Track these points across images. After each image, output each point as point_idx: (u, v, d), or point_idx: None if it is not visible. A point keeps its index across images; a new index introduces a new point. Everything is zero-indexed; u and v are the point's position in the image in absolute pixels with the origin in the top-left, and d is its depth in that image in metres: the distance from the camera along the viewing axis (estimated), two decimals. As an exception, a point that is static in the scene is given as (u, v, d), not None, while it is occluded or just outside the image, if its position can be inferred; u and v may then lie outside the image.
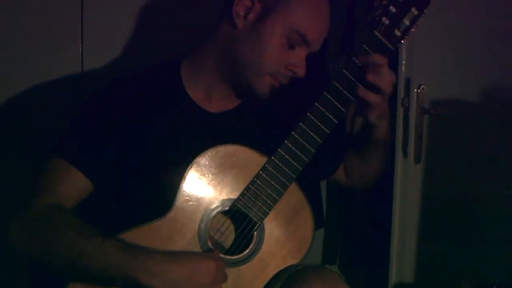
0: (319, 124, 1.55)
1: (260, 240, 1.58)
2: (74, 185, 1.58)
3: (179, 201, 1.54)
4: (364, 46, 1.54)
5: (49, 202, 1.53)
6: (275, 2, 1.55)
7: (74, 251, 1.46)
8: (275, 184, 1.55)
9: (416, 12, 1.55)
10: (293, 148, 1.55)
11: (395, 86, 1.99)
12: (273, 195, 1.55)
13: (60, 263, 1.48)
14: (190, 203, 1.54)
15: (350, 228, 2.48)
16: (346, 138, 1.86)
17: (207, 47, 1.63)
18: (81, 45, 2.08)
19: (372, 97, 1.58)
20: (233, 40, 1.58)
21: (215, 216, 1.56)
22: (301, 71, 1.59)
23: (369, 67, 1.55)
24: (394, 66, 2.06)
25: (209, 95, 1.64)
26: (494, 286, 1.92)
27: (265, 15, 1.56)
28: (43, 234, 1.50)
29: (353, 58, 1.55)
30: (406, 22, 1.55)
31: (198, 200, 1.55)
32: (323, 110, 1.55)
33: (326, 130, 1.56)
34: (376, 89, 1.57)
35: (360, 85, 1.56)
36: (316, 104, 1.55)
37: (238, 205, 1.55)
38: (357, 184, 1.90)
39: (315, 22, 1.58)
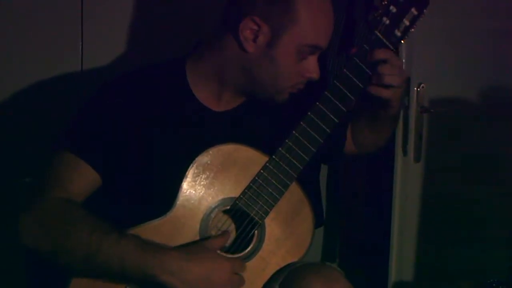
0: (320, 123, 1.55)
1: (261, 239, 1.58)
2: (83, 179, 1.57)
3: (180, 199, 1.54)
4: (365, 46, 1.55)
5: (61, 196, 1.53)
6: (282, 21, 1.52)
7: (91, 247, 1.45)
8: (276, 183, 1.55)
9: (416, 12, 1.55)
10: (294, 147, 1.55)
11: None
12: (274, 194, 1.55)
13: (75, 259, 1.47)
14: (192, 201, 1.55)
15: (350, 226, 2.48)
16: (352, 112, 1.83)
17: (214, 57, 1.61)
18: (81, 43, 2.08)
19: (384, 93, 1.58)
20: (246, 62, 1.57)
21: (216, 215, 1.56)
22: (316, 74, 1.59)
23: (376, 66, 1.55)
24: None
25: (216, 97, 1.64)
26: (493, 285, 1.93)
27: (275, 37, 1.53)
28: (58, 229, 1.49)
29: (354, 58, 1.55)
30: (406, 22, 1.55)
31: (200, 198, 1.55)
32: (324, 109, 1.56)
33: (327, 129, 1.56)
34: (386, 85, 1.57)
35: (371, 84, 1.56)
36: (317, 103, 1.55)
37: (239, 204, 1.55)
38: (366, 151, 1.89)
39: (323, 29, 1.57)
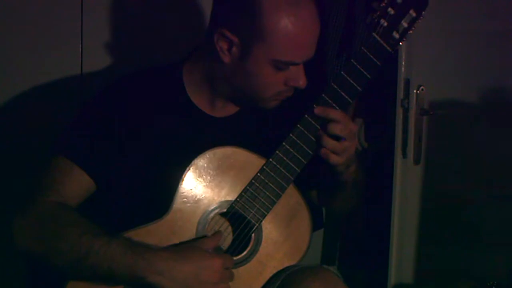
0: (317, 125, 1.55)
1: (258, 242, 1.58)
2: (78, 184, 1.57)
3: (177, 202, 1.54)
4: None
5: (54, 199, 1.53)
6: (250, 36, 1.50)
7: (81, 250, 1.45)
8: (273, 186, 1.55)
9: (414, 14, 1.55)
10: (291, 149, 1.55)
11: (394, 88, 2.00)
12: (271, 197, 1.55)
13: (65, 261, 1.48)
14: (188, 204, 1.54)
15: (350, 228, 2.48)
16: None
17: (204, 64, 1.61)
18: (80, 46, 2.08)
19: (334, 159, 1.56)
20: (225, 72, 1.56)
21: (213, 218, 1.56)
22: (302, 82, 1.56)
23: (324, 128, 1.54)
24: (393, 67, 2.07)
25: (212, 102, 1.64)
26: (493, 287, 1.93)
27: (247, 50, 1.51)
28: (49, 232, 1.50)
29: (352, 61, 1.55)
30: (405, 24, 1.55)
31: (196, 201, 1.55)
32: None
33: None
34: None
35: (322, 147, 1.54)
36: (314, 105, 1.55)
37: (236, 207, 1.55)
38: (331, 211, 1.90)
39: (297, 46, 1.52)
